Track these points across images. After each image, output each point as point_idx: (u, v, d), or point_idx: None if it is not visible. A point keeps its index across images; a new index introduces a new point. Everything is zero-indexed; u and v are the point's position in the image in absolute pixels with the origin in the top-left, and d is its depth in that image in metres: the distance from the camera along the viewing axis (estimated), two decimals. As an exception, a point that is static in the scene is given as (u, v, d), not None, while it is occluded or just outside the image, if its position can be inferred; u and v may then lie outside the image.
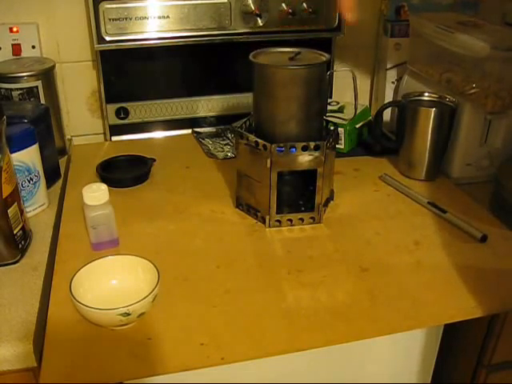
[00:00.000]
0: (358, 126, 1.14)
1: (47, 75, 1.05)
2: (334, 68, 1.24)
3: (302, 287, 0.74)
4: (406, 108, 1.02)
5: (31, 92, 1.03)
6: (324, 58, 0.85)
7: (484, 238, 0.84)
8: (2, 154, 0.73)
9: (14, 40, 1.08)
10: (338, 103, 1.18)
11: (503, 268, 0.79)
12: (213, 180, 1.03)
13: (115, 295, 0.69)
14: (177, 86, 1.20)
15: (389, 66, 1.25)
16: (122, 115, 1.18)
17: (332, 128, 0.90)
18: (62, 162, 1.08)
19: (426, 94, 1.04)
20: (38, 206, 0.90)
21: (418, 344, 0.79)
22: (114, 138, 1.20)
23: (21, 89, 1.02)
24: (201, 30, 1.11)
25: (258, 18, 1.13)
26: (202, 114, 1.23)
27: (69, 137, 1.19)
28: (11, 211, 0.75)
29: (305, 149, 0.83)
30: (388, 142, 1.12)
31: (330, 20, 1.17)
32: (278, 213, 0.87)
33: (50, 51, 1.12)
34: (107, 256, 0.73)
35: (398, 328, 0.69)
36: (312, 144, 0.83)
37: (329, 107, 1.04)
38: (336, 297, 0.73)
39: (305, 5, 1.14)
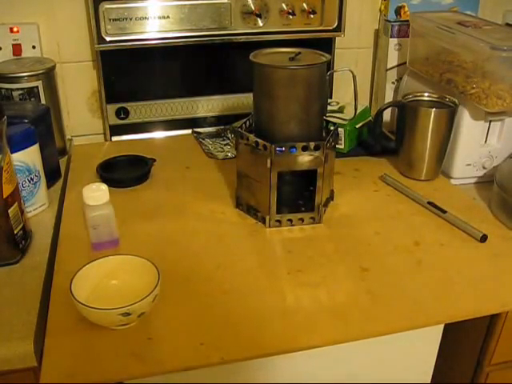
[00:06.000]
0: (358, 126, 1.14)
1: (48, 75, 1.05)
2: (334, 68, 1.24)
3: (302, 287, 0.74)
4: (406, 108, 1.02)
5: (32, 92, 1.03)
6: (324, 58, 0.85)
7: (484, 238, 0.84)
8: (3, 154, 0.73)
9: (15, 40, 1.08)
10: (338, 103, 1.18)
11: (503, 268, 0.79)
12: (213, 180, 1.03)
13: (115, 295, 0.69)
14: (177, 86, 1.20)
15: (389, 66, 1.25)
16: (122, 115, 1.19)
17: (332, 128, 0.90)
18: (63, 162, 1.08)
19: (426, 94, 1.04)
20: (38, 206, 0.90)
21: (418, 344, 0.79)
22: (114, 138, 1.20)
23: (21, 89, 1.02)
24: (201, 30, 1.11)
25: (258, 18, 1.13)
26: (202, 114, 1.23)
27: (69, 137, 1.19)
28: (12, 211, 0.75)
29: (305, 149, 0.83)
30: (388, 142, 1.12)
31: (330, 20, 1.17)
32: (278, 213, 0.87)
33: (51, 51, 1.12)
34: (107, 256, 0.73)
35: (398, 328, 0.69)
36: (312, 144, 0.83)
37: (329, 107, 1.04)
38: (336, 297, 0.73)
39: (305, 5, 1.14)
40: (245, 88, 1.20)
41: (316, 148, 0.83)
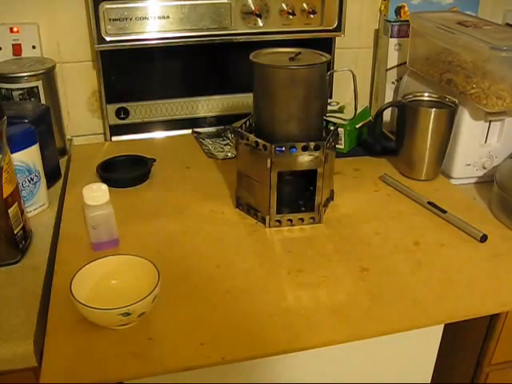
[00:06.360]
0: (357, 126, 1.14)
1: (48, 75, 1.05)
2: (334, 68, 1.24)
3: (302, 287, 0.74)
4: (406, 108, 1.02)
5: (32, 92, 1.03)
6: (324, 59, 0.85)
7: (484, 238, 0.84)
8: (3, 154, 0.73)
9: (15, 40, 1.08)
10: (338, 103, 1.18)
11: (503, 268, 0.79)
12: (213, 180, 1.03)
13: (115, 295, 0.69)
14: (177, 86, 1.20)
15: (389, 66, 1.25)
16: (122, 115, 1.19)
17: (332, 128, 0.90)
18: (63, 162, 1.08)
19: (426, 94, 1.04)
20: (38, 206, 0.90)
21: (418, 344, 0.79)
22: (114, 138, 1.20)
23: (21, 89, 1.02)
24: (201, 30, 1.11)
25: (258, 18, 1.13)
26: (202, 114, 1.23)
27: (69, 137, 1.19)
28: (12, 211, 0.75)
29: (305, 149, 0.83)
30: (388, 142, 1.12)
31: (330, 20, 1.17)
32: (278, 213, 0.87)
33: (51, 51, 1.12)
34: (107, 256, 0.73)
35: (398, 328, 0.69)
36: (312, 144, 0.83)
37: (329, 107, 1.04)
38: (336, 297, 0.73)
39: (305, 5, 1.14)
40: (245, 88, 1.20)
41: (316, 148, 0.83)
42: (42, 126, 0.94)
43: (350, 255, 0.81)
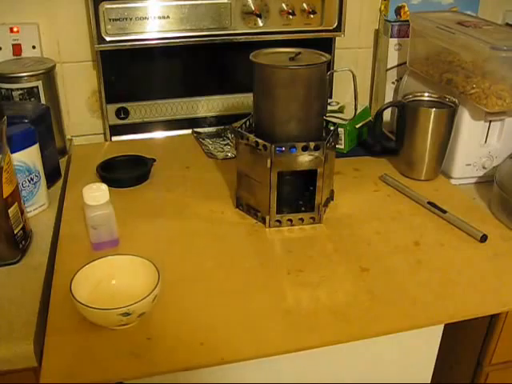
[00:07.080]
0: (357, 126, 1.14)
1: (48, 75, 1.05)
2: (334, 68, 1.24)
3: (302, 287, 0.74)
4: (406, 108, 1.02)
5: (31, 92, 1.03)
6: (324, 58, 0.85)
7: (484, 238, 0.84)
8: (3, 154, 0.73)
9: (15, 40, 1.08)
10: (338, 103, 1.18)
11: (503, 268, 0.79)
12: (213, 180, 1.03)
13: (115, 295, 0.69)
14: (177, 85, 1.20)
15: (389, 66, 1.25)
16: (122, 115, 1.19)
17: (332, 128, 0.90)
18: (63, 162, 1.08)
19: (426, 94, 1.04)
20: (38, 206, 0.90)
21: (418, 344, 0.79)
22: (114, 138, 1.20)
23: (21, 89, 1.02)
24: (201, 30, 1.11)
25: (258, 18, 1.13)
26: (202, 114, 1.23)
27: (69, 137, 1.19)
28: (12, 211, 0.75)
29: (305, 149, 0.83)
30: (388, 142, 1.12)
31: (330, 20, 1.17)
32: (278, 213, 0.87)
33: (51, 51, 1.12)
34: (107, 256, 0.73)
35: (398, 328, 0.69)
36: (312, 144, 0.83)
37: (329, 107, 1.04)
38: (336, 297, 0.73)
39: (305, 5, 1.14)
40: (245, 88, 1.20)
41: (316, 148, 0.83)
42: (41, 126, 0.94)
43: (350, 255, 0.81)
